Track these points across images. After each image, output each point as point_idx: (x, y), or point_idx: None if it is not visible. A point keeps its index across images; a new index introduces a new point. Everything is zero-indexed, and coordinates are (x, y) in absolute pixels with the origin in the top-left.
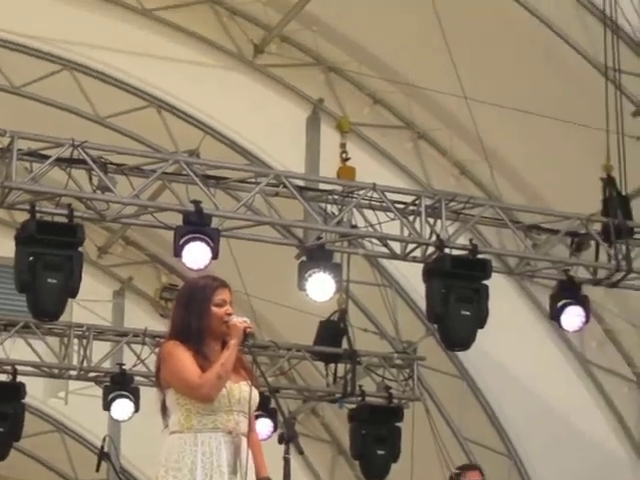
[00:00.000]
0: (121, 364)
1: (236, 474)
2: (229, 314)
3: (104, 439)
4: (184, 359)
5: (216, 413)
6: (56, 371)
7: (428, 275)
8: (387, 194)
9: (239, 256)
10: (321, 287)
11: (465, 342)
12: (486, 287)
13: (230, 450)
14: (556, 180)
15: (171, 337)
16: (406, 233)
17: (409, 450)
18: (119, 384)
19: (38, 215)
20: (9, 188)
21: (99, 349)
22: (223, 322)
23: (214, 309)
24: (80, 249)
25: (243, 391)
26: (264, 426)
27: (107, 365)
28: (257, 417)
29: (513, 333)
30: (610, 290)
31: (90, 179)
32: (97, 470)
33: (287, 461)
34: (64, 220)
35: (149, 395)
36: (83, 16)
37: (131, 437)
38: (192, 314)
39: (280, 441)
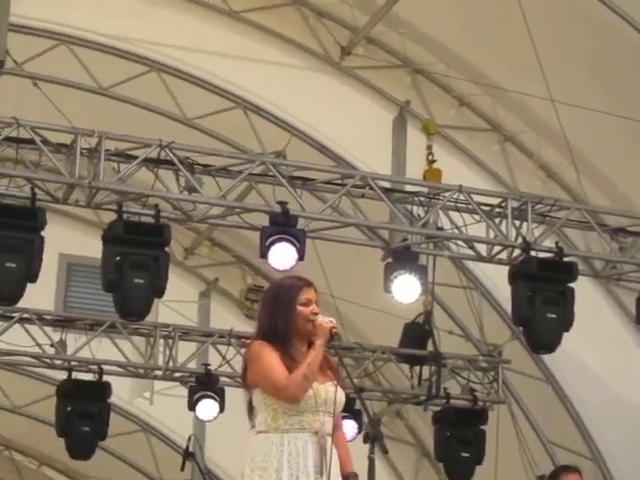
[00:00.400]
0: (206, 364)
1: (322, 474)
2: (315, 313)
3: (189, 439)
4: (271, 359)
5: (303, 414)
6: (142, 371)
7: (514, 277)
8: (473, 196)
9: (325, 258)
10: (406, 289)
11: (551, 345)
12: (572, 290)
13: (316, 450)
14: None
15: (258, 337)
16: (492, 235)
17: (493, 453)
18: (204, 384)
19: (125, 215)
20: (97, 188)
21: (185, 349)
22: (309, 321)
23: (300, 308)
24: (166, 249)
25: (329, 392)
26: (349, 427)
27: (192, 365)
28: (342, 418)
29: (599, 336)
30: None
31: (177, 180)
32: (182, 469)
33: (372, 460)
34: (151, 220)
35: (234, 396)
36: (170, 18)
37: (216, 437)
38: (278, 314)
39: (365, 440)
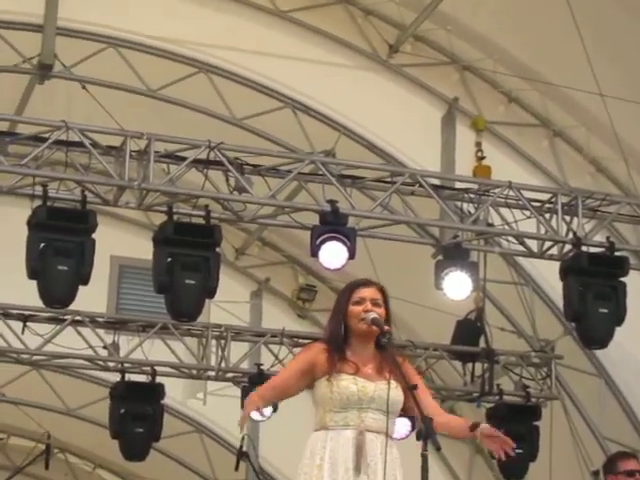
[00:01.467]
0: (259, 364)
1: (360, 472)
2: (367, 311)
3: (243, 438)
4: (290, 365)
5: (347, 410)
6: (194, 372)
7: (565, 273)
8: (523, 192)
9: (375, 256)
10: (458, 286)
11: (603, 340)
12: (624, 284)
13: (356, 447)
14: None
15: (322, 339)
16: (542, 231)
17: (547, 449)
18: (257, 384)
19: (175, 216)
20: (147, 190)
21: (237, 350)
22: (360, 319)
23: (351, 307)
24: (217, 250)
25: (378, 389)
26: (402, 425)
27: (245, 366)
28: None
29: None
30: None
31: (227, 180)
32: (236, 469)
33: (424, 457)
34: (201, 221)
35: None
36: (217, 18)
37: (270, 437)
38: (334, 315)
39: (418, 438)
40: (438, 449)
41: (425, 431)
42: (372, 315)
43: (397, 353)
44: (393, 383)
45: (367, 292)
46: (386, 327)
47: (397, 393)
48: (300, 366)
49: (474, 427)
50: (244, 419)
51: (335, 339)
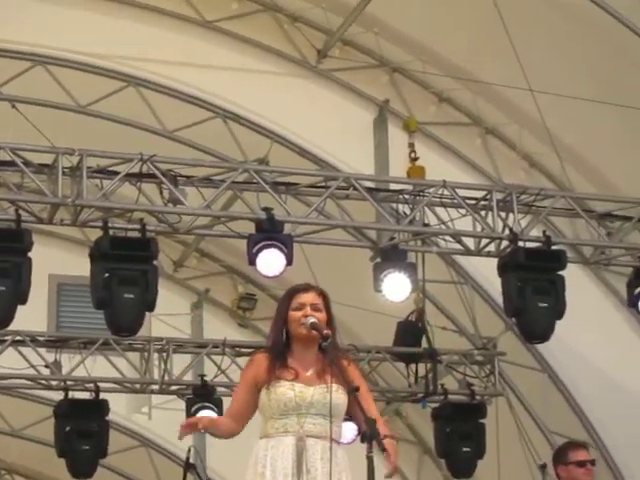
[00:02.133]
0: (202, 375)
1: (299, 477)
2: (306, 316)
3: (189, 450)
4: (239, 389)
5: (286, 417)
6: (138, 386)
7: (503, 269)
8: (458, 190)
9: (313, 261)
10: (397, 287)
11: (544, 334)
12: (562, 278)
13: (295, 453)
14: (627, 167)
15: (265, 348)
16: (479, 228)
17: (494, 446)
18: (201, 396)
19: (111, 231)
20: (81, 206)
21: (179, 362)
22: (300, 324)
23: (291, 313)
24: (155, 263)
25: (316, 394)
26: (348, 429)
27: (188, 377)
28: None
29: (592, 322)
30: None
31: (161, 192)
32: None
33: (370, 459)
34: (137, 235)
35: None
36: (144, 31)
37: (217, 449)
38: (275, 322)
39: (363, 440)
40: (384, 450)
41: (369, 433)
42: (311, 320)
43: (342, 356)
44: (334, 386)
45: (307, 297)
46: (325, 331)
47: (338, 396)
48: (247, 386)
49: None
50: (185, 430)
51: (276, 346)
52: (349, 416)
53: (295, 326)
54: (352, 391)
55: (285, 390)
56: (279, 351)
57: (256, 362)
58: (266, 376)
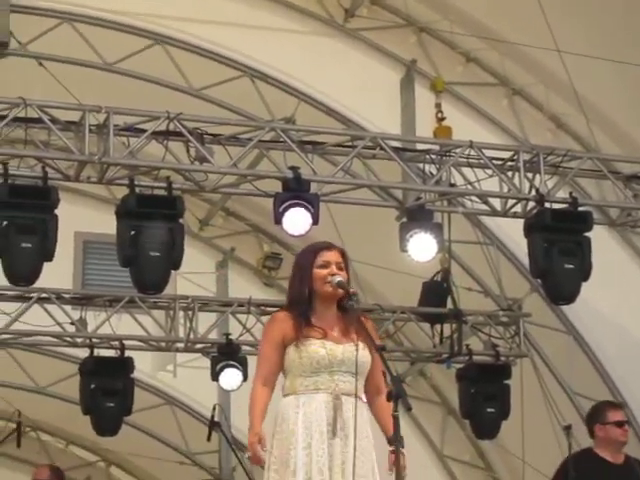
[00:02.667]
0: (227, 334)
1: (335, 435)
2: (332, 274)
3: (214, 408)
4: (268, 353)
5: (318, 374)
6: (163, 344)
7: (529, 230)
8: (484, 151)
9: (339, 221)
10: (423, 247)
11: (570, 296)
12: (588, 239)
13: (330, 410)
14: None
15: (284, 306)
16: (505, 189)
17: (519, 407)
18: (226, 354)
19: (137, 189)
20: (107, 164)
21: (205, 320)
22: (326, 283)
23: (316, 271)
24: (181, 221)
25: (347, 352)
26: None
27: (213, 336)
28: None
29: (617, 284)
30: None
31: (187, 151)
32: (208, 439)
33: (396, 418)
34: (163, 193)
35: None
36: None
37: (241, 407)
38: (297, 280)
39: (388, 399)
40: (409, 409)
41: (395, 392)
42: (338, 278)
43: (360, 314)
44: (360, 344)
45: (331, 255)
46: (352, 289)
47: (365, 354)
48: (275, 345)
49: (390, 441)
50: (256, 458)
51: (300, 303)
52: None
53: (320, 284)
54: (380, 350)
55: (317, 348)
56: (303, 308)
57: (280, 320)
58: (294, 334)
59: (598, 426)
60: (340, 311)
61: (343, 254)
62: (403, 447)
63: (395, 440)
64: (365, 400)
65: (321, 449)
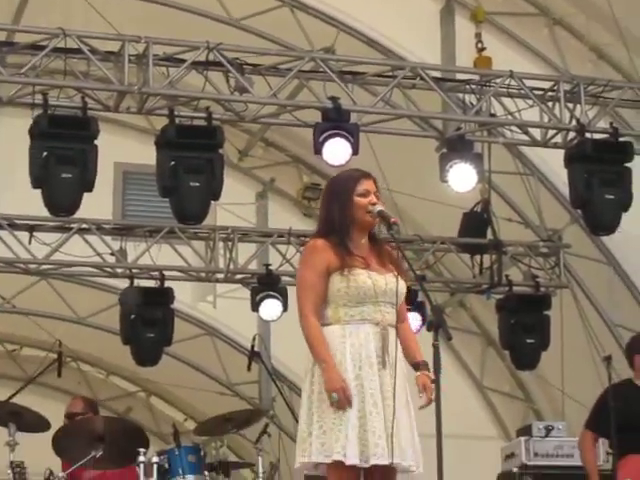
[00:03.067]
0: (267, 265)
1: (385, 366)
2: (373, 204)
3: (254, 338)
4: (313, 282)
5: (363, 304)
6: (203, 275)
7: (570, 160)
8: (525, 81)
9: (379, 152)
10: (463, 178)
11: (610, 226)
12: (629, 170)
13: (378, 341)
14: None
15: (317, 233)
16: (545, 119)
17: (559, 338)
18: (266, 284)
19: (177, 120)
20: (147, 94)
21: (244, 251)
22: (367, 212)
23: (357, 199)
24: (220, 151)
25: (389, 282)
26: (413, 319)
27: (253, 267)
28: (406, 311)
29: None
30: None
31: (227, 81)
32: (248, 369)
33: (436, 348)
34: (203, 123)
35: None
36: None
37: (281, 337)
38: (336, 206)
39: (429, 329)
40: (449, 339)
41: (435, 321)
42: (379, 207)
43: (386, 244)
44: (396, 276)
45: (370, 185)
46: (393, 219)
47: (403, 285)
48: (320, 273)
49: (417, 367)
50: (346, 401)
51: (340, 231)
52: (413, 306)
53: (362, 213)
54: (420, 280)
55: (365, 279)
56: (342, 237)
57: (321, 248)
58: (338, 262)
59: (637, 356)
60: (370, 241)
61: (376, 183)
62: (429, 371)
63: (436, 369)
64: None
65: (372, 381)
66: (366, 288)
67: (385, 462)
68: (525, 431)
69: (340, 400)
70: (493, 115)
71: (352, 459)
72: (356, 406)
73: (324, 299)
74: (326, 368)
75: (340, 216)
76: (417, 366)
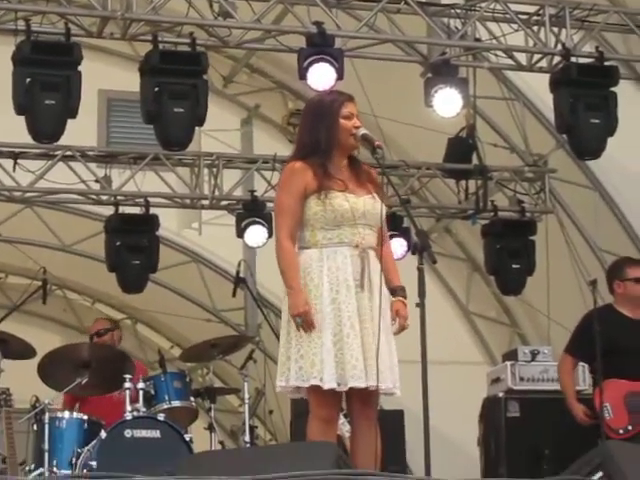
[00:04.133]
0: (252, 191)
1: (363, 288)
2: (357, 127)
3: (239, 264)
4: (287, 200)
5: (340, 227)
6: (188, 201)
7: (555, 85)
8: (510, 5)
9: (364, 77)
10: (448, 102)
11: (596, 151)
12: (615, 94)
13: (356, 264)
14: None
15: (296, 155)
16: (531, 44)
17: (544, 263)
18: (251, 210)
19: (161, 45)
20: (130, 19)
21: (230, 178)
22: (351, 135)
23: (342, 121)
24: (205, 77)
25: (367, 204)
26: (398, 245)
27: (238, 193)
28: (390, 237)
29: None
30: None
31: (211, 6)
32: (233, 295)
33: (421, 271)
34: (187, 49)
35: None
36: None
37: (266, 264)
38: (321, 128)
39: (414, 252)
40: (434, 262)
41: (420, 244)
42: (363, 131)
43: (365, 165)
44: (375, 196)
45: (353, 108)
46: (377, 142)
47: (382, 206)
48: (297, 196)
49: (393, 292)
50: (310, 323)
51: (321, 152)
52: (395, 232)
53: (345, 136)
54: (404, 203)
55: (341, 201)
56: (322, 159)
57: (299, 171)
58: (315, 185)
59: (617, 282)
60: (350, 163)
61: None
62: (405, 297)
63: (421, 293)
64: (397, 257)
65: (350, 304)
66: (343, 210)
67: (362, 384)
68: (511, 356)
69: (303, 324)
70: (478, 40)
71: (329, 383)
72: (332, 330)
73: (301, 222)
74: (291, 293)
75: (326, 137)
76: (394, 291)
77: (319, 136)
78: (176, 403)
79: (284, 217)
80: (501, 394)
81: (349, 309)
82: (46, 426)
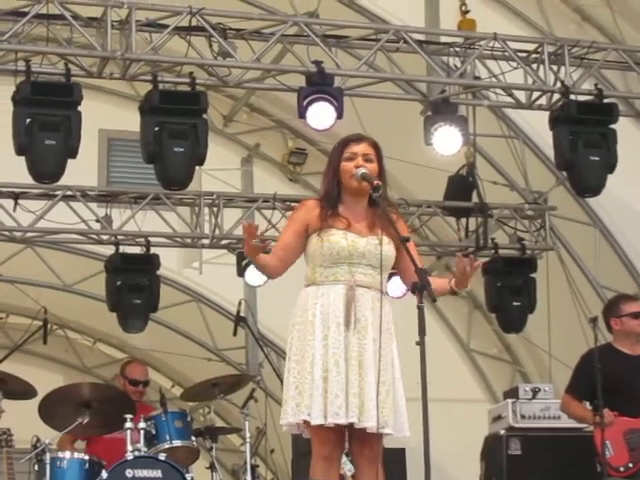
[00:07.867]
0: None
1: (348, 327)
2: (357, 167)
3: (239, 303)
4: (287, 229)
5: (337, 266)
6: (189, 241)
7: (555, 122)
8: (509, 43)
9: (364, 115)
10: (448, 141)
11: (595, 188)
12: (614, 131)
13: (345, 302)
14: None
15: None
16: (530, 81)
17: (545, 300)
18: None
19: (160, 85)
20: (130, 60)
21: (230, 217)
22: (351, 176)
23: (343, 164)
24: (204, 116)
25: (369, 245)
26: (398, 284)
27: (239, 232)
28: (390, 275)
29: None
30: None
31: (210, 46)
32: (234, 334)
33: (421, 310)
34: (187, 89)
35: None
36: None
37: (267, 303)
38: (326, 173)
39: (413, 291)
40: (434, 301)
41: (420, 283)
42: (362, 170)
43: (392, 210)
44: (385, 239)
45: (358, 147)
46: (376, 181)
47: (389, 248)
48: (297, 227)
49: (452, 290)
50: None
51: (328, 196)
52: (394, 270)
53: (346, 177)
54: (403, 241)
55: (338, 239)
56: (331, 201)
57: (308, 207)
58: (318, 222)
59: (614, 319)
60: (370, 206)
61: (374, 146)
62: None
63: (421, 332)
64: (396, 296)
65: (337, 340)
66: (339, 248)
67: (343, 421)
68: (512, 393)
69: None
70: (477, 78)
71: (316, 419)
72: (322, 366)
73: (294, 249)
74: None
75: (328, 182)
76: (452, 289)
77: (325, 180)
78: (177, 442)
79: (279, 239)
80: (502, 432)
81: (335, 345)
82: (47, 466)
